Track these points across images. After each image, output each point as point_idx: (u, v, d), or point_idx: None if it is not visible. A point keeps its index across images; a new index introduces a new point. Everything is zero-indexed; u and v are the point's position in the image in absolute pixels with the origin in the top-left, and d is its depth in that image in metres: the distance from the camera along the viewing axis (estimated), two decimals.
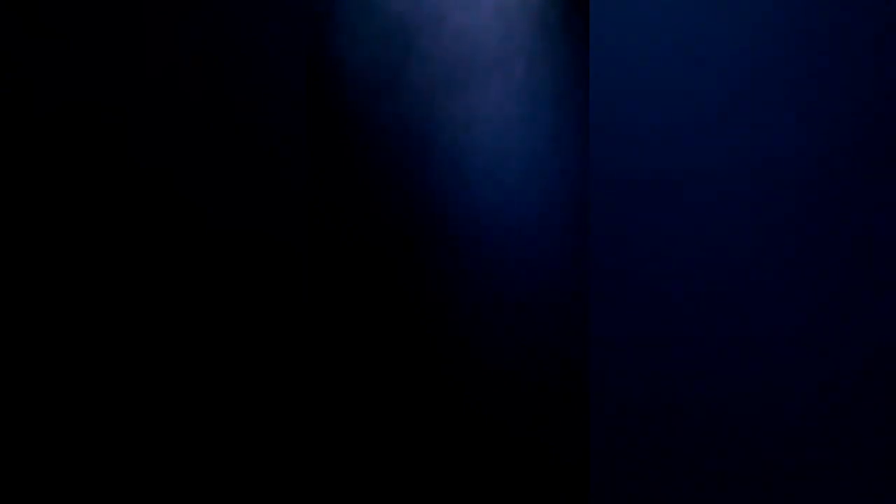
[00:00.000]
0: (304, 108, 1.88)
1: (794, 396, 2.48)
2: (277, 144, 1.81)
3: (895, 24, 2.16)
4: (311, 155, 1.87)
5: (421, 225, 2.22)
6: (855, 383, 2.32)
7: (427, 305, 2.22)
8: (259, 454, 1.76)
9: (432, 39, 2.30)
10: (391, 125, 2.12)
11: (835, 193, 2.37)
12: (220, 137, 1.67)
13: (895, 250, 2.33)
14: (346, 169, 1.96)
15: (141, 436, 1.52)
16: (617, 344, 2.91)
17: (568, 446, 2.81)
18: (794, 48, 2.40)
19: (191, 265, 1.61)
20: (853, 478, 2.32)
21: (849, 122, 2.30)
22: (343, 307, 1.95)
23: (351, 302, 1.97)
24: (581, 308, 2.92)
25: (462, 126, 2.39)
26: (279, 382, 1.82)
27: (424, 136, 2.24)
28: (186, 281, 1.61)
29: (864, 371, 2.31)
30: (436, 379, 2.25)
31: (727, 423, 2.66)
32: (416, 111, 2.21)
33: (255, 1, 1.77)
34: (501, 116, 2.56)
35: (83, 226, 1.44)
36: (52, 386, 1.39)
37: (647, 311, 2.84)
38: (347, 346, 1.96)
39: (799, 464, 2.43)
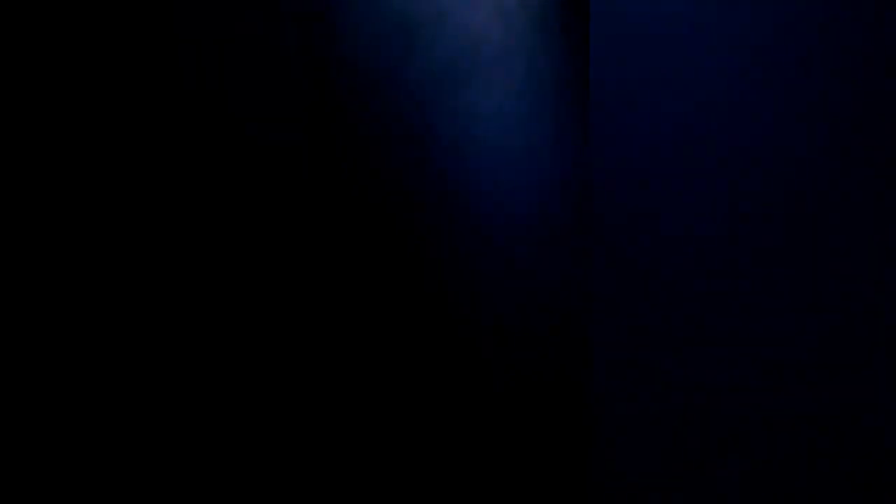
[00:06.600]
0: (304, 105, 1.88)
1: (794, 394, 2.49)
2: (277, 142, 1.81)
3: (894, 22, 2.16)
4: (310, 153, 1.88)
5: (420, 222, 2.22)
6: (855, 380, 2.33)
7: (425, 304, 2.23)
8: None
9: (433, 38, 2.31)
10: (391, 123, 2.12)
11: (837, 191, 2.38)
12: (218, 137, 1.68)
13: (894, 248, 2.34)
14: (345, 167, 1.97)
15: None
16: (618, 343, 2.92)
17: (567, 458, 2.82)
18: (793, 47, 2.41)
19: (192, 265, 1.62)
20: (855, 477, 2.33)
21: (851, 121, 2.30)
22: (341, 306, 1.95)
23: (348, 300, 1.97)
24: (582, 307, 2.92)
25: (462, 124, 2.39)
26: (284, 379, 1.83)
27: (424, 134, 2.25)
28: (189, 280, 1.62)
29: (865, 367, 2.32)
30: (433, 381, 2.26)
31: (725, 415, 2.67)
32: (417, 109, 2.22)
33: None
34: (502, 114, 2.57)
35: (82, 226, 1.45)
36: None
37: (648, 307, 2.85)
38: (343, 348, 1.97)
39: (799, 463, 2.44)
